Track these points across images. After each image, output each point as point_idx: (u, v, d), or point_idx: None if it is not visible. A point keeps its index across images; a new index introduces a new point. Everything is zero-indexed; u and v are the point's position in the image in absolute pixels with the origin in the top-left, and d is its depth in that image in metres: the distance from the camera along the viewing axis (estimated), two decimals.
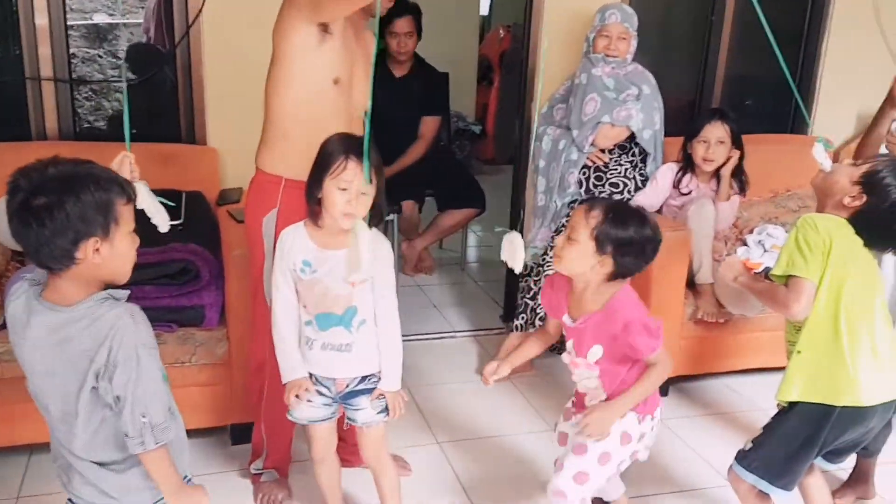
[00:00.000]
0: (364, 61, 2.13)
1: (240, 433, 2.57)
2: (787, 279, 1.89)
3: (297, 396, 1.93)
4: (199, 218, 2.71)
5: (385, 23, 3.79)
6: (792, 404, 1.93)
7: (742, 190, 3.07)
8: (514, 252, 1.90)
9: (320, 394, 1.97)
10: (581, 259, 1.84)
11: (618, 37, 3.00)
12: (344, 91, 2.04)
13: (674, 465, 2.62)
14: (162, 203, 1.80)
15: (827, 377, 1.88)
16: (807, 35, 3.79)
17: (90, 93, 4.12)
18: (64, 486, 1.56)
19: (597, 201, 2.06)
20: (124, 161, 1.78)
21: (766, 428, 1.99)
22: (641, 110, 2.99)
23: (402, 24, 3.73)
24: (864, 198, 1.88)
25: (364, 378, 1.95)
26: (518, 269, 1.97)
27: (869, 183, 1.89)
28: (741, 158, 3.01)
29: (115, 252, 1.44)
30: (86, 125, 3.47)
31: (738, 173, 3.03)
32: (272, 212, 2.07)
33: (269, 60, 2.96)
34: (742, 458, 1.98)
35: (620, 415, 1.88)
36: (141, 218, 1.60)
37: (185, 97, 3.04)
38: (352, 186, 1.77)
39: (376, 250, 1.84)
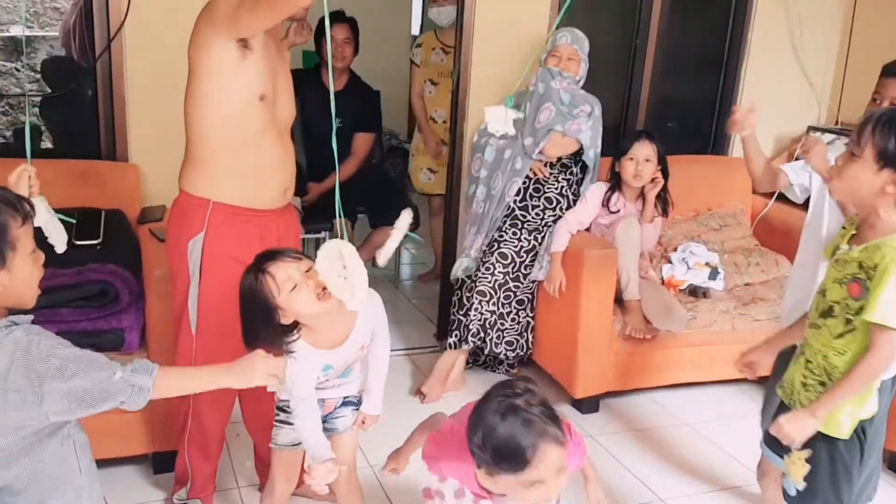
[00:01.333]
0: (285, 74, 2.09)
1: (162, 461, 2.47)
2: (873, 326, 1.66)
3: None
4: (118, 237, 2.61)
5: (321, 32, 3.77)
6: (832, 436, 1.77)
7: (665, 212, 3.15)
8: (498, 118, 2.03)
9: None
10: None
11: (567, 57, 3.09)
12: (270, 106, 1.99)
13: (606, 481, 2.64)
14: (61, 220, 1.70)
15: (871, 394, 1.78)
16: (727, 60, 3.94)
17: (6, 107, 3.94)
18: None
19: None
20: (23, 175, 1.66)
21: (817, 476, 1.80)
22: (591, 129, 3.08)
23: (340, 30, 3.74)
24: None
25: (344, 399, 1.98)
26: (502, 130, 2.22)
27: (889, 155, 1.63)
28: (665, 177, 3.09)
29: (16, 278, 1.35)
30: (1, 140, 3.32)
31: (662, 195, 3.11)
32: (198, 236, 1.99)
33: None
34: None
35: None
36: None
37: (106, 112, 2.93)
38: (300, 281, 1.67)
39: (372, 320, 1.86)
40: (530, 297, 3.14)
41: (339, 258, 1.61)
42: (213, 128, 1.95)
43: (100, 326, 2.33)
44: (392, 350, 3.44)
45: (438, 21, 3.86)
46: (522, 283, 3.10)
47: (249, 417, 2.29)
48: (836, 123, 3.94)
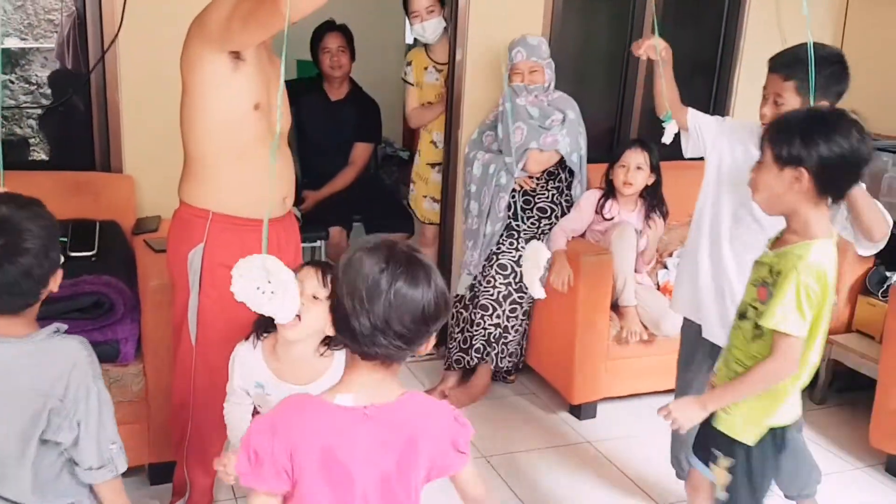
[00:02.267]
0: (279, 82, 2.09)
1: (158, 473, 2.46)
2: (773, 332, 1.68)
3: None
4: (113, 248, 2.60)
5: (316, 42, 3.77)
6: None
7: (664, 217, 3.15)
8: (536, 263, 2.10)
9: None
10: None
11: (528, 71, 3.08)
12: (265, 116, 1.99)
13: (604, 487, 2.64)
14: None
15: (788, 399, 1.77)
16: (720, 66, 3.96)
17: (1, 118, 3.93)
18: None
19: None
20: None
21: (735, 482, 1.79)
22: (567, 135, 3.06)
23: (333, 40, 3.72)
24: (804, 171, 1.63)
25: None
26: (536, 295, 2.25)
27: (783, 156, 1.65)
28: (658, 185, 3.08)
29: (58, 275, 1.48)
30: None
31: (658, 201, 3.11)
32: (198, 247, 1.99)
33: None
34: None
35: None
36: None
37: (100, 123, 2.93)
38: (302, 288, 1.63)
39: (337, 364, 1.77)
40: (532, 306, 3.14)
41: (262, 272, 1.51)
42: (209, 139, 1.96)
43: (95, 338, 2.31)
44: None
45: (424, 38, 3.45)
46: (526, 293, 3.09)
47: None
48: None
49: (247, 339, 1.85)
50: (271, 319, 1.64)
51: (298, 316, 1.61)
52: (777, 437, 1.77)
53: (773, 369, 1.69)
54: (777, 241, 1.76)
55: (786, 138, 1.65)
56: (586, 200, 3.11)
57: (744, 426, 1.75)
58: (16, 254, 1.36)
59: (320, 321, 1.62)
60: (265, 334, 1.81)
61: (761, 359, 1.72)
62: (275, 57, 2.12)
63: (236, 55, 1.88)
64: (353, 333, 1.19)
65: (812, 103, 1.93)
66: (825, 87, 1.96)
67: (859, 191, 1.90)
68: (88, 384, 1.43)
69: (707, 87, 4.03)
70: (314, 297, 1.67)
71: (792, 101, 1.96)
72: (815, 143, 1.62)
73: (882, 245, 1.99)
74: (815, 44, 1.94)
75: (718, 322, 2.14)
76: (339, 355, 1.76)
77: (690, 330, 2.26)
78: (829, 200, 1.68)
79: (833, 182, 1.65)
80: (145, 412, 2.36)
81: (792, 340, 1.66)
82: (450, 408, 1.35)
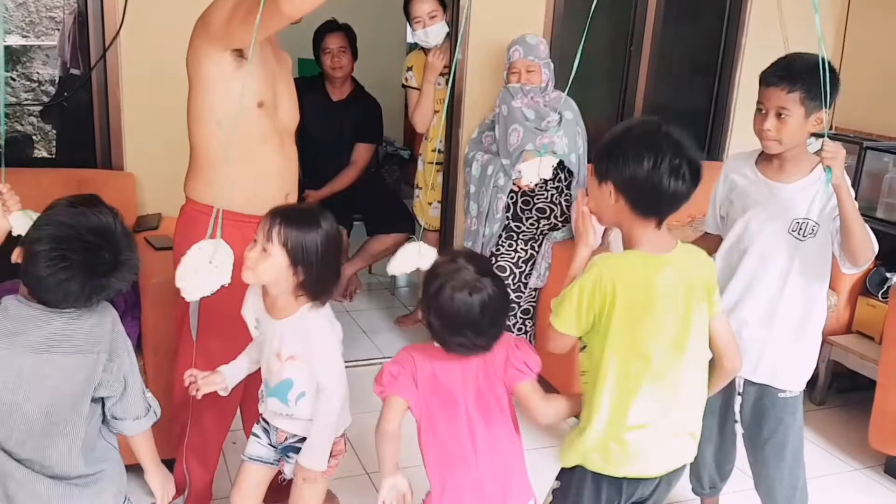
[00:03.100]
0: (285, 79, 2.10)
1: None
2: None
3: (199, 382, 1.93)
4: None
5: (317, 42, 3.77)
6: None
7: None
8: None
9: (266, 433, 1.95)
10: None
11: (526, 70, 3.07)
12: (269, 113, 2.01)
13: None
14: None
15: (601, 446, 1.65)
16: (721, 67, 3.96)
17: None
18: None
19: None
20: None
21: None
22: (565, 135, 3.05)
23: (334, 40, 3.72)
24: (612, 187, 1.59)
25: (303, 439, 1.88)
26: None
27: (598, 167, 1.63)
28: None
29: None
30: None
31: None
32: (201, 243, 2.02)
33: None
34: None
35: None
36: None
37: (102, 121, 2.94)
38: (255, 241, 1.77)
39: (305, 327, 1.78)
40: (535, 305, 3.14)
41: (205, 258, 1.72)
42: (214, 137, 1.97)
43: None
44: (388, 357, 3.46)
45: (426, 43, 3.41)
46: (524, 293, 3.09)
47: (250, 425, 2.29)
48: (831, 128, 3.96)
49: None
50: None
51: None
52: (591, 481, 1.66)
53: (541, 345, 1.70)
54: None
55: (598, 153, 1.64)
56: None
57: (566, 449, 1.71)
58: (121, 264, 1.50)
59: (271, 272, 1.74)
60: None
61: (584, 371, 1.70)
62: (283, 54, 2.13)
63: (239, 53, 1.89)
64: (439, 339, 1.65)
65: (826, 111, 1.92)
66: (826, 97, 1.93)
67: (853, 212, 1.89)
68: (126, 339, 1.58)
69: (708, 89, 4.03)
70: (263, 250, 1.74)
71: (797, 112, 1.94)
72: (620, 161, 1.56)
73: (865, 268, 1.98)
74: (803, 53, 1.95)
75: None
76: (306, 307, 1.81)
77: None
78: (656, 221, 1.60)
79: (644, 202, 1.58)
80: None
81: (550, 331, 1.66)
82: (511, 337, 1.71)
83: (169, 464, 2.34)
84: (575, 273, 1.73)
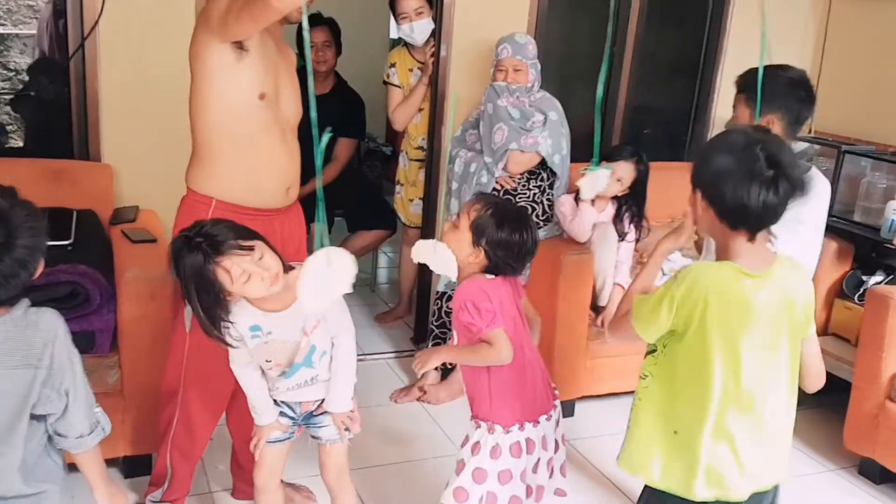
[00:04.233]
0: (289, 73, 2.09)
1: (133, 466, 2.44)
2: None
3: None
4: (90, 238, 2.57)
5: (302, 37, 3.73)
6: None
7: (639, 234, 3.08)
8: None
9: (283, 414, 1.93)
10: (458, 245, 1.89)
11: (513, 69, 3.06)
12: (271, 105, 2.01)
13: (581, 485, 2.65)
14: None
15: (698, 468, 1.58)
16: (703, 68, 3.99)
17: None
18: None
19: (483, 197, 2.09)
20: None
21: None
22: (549, 136, 3.05)
23: (319, 34, 3.69)
24: (701, 196, 1.58)
25: (321, 401, 1.92)
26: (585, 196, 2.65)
27: (693, 175, 1.62)
28: (642, 200, 3.03)
29: None
30: None
31: (639, 216, 3.06)
32: None
33: (171, 76, 2.89)
34: None
35: (442, 357, 1.97)
36: None
37: (79, 111, 2.90)
38: (254, 272, 1.67)
39: (310, 280, 1.74)
40: None
41: (325, 268, 1.60)
42: (215, 128, 1.98)
43: (70, 328, 2.25)
44: (369, 354, 3.51)
45: (412, 39, 3.38)
46: None
47: (235, 421, 2.28)
48: (810, 132, 4.00)
49: None
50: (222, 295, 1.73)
51: (277, 274, 1.73)
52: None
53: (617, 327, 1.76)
54: None
55: (694, 160, 1.68)
56: (564, 206, 3.03)
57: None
58: (12, 247, 1.37)
59: (277, 268, 1.73)
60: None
61: (649, 375, 1.66)
62: (286, 49, 2.13)
63: (239, 45, 1.90)
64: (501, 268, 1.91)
65: (758, 117, 2.06)
66: (771, 101, 2.07)
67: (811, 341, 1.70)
68: (71, 351, 1.48)
69: (690, 89, 4.05)
70: (261, 257, 1.71)
71: (742, 115, 2.10)
72: (708, 171, 1.56)
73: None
74: (782, 66, 2.11)
75: None
76: (300, 266, 1.77)
77: None
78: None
79: (731, 215, 1.53)
80: (121, 405, 2.33)
81: (629, 325, 1.65)
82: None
83: (144, 459, 2.35)
84: (654, 264, 1.80)
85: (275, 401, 1.92)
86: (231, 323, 1.75)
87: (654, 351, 1.66)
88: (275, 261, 1.72)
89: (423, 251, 1.94)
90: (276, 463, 2.00)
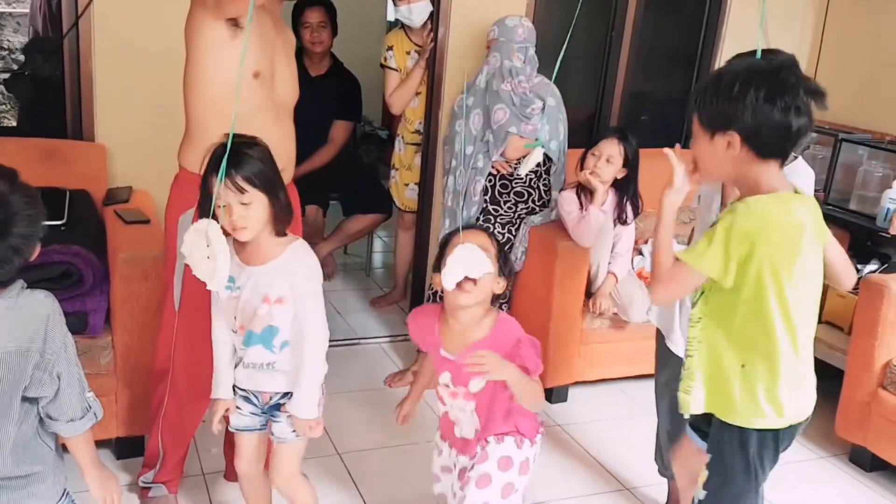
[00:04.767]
0: (286, 53, 2.07)
1: (125, 447, 2.44)
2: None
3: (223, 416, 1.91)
4: (83, 218, 2.56)
5: (297, 16, 3.70)
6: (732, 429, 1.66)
7: (636, 213, 3.02)
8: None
9: (248, 401, 1.91)
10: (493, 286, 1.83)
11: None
12: (266, 84, 1.99)
13: (573, 470, 2.66)
14: None
15: (794, 394, 1.65)
16: (700, 56, 3.97)
17: None
18: None
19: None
20: None
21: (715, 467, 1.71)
22: (547, 122, 3.04)
23: (314, 15, 3.66)
24: (735, 134, 1.53)
25: (287, 394, 1.87)
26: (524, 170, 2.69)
27: (714, 118, 1.56)
28: (634, 180, 2.97)
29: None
30: None
31: (633, 195, 2.99)
32: (189, 211, 1.98)
33: (165, 55, 2.86)
34: None
35: (508, 375, 1.78)
36: None
37: (73, 91, 2.87)
38: (228, 205, 1.69)
39: (293, 267, 1.77)
40: (510, 289, 3.13)
41: (204, 238, 1.63)
42: (207, 105, 1.97)
43: (63, 309, 2.25)
44: (363, 338, 3.50)
45: (410, 21, 3.34)
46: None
47: None
48: None
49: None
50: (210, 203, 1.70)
51: (235, 228, 1.71)
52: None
53: (653, 284, 1.66)
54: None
55: (709, 104, 1.56)
56: (567, 202, 2.93)
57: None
58: (7, 234, 1.36)
59: (262, 217, 1.72)
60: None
61: (696, 344, 1.66)
62: (286, 29, 2.10)
63: (234, 22, 1.88)
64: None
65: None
66: None
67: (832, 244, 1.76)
68: (65, 335, 1.46)
69: (687, 79, 4.04)
70: (242, 203, 1.70)
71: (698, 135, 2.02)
72: (746, 107, 1.50)
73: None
74: (770, 49, 1.94)
75: (682, 335, 2.13)
76: (294, 244, 1.80)
77: (661, 338, 2.28)
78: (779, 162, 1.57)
79: (772, 145, 1.53)
80: (113, 385, 2.33)
81: (684, 267, 1.58)
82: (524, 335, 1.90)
83: (137, 441, 2.34)
84: (668, 219, 1.72)
85: (237, 388, 1.90)
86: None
87: (701, 294, 1.65)
88: (260, 222, 1.72)
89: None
90: (252, 452, 1.97)
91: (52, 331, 1.44)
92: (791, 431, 1.68)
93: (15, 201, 1.37)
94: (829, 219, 3.16)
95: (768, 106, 1.49)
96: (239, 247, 1.79)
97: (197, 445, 2.51)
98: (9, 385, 1.41)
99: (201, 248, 1.62)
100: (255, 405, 1.91)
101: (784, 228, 1.55)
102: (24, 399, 1.44)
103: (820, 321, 3.27)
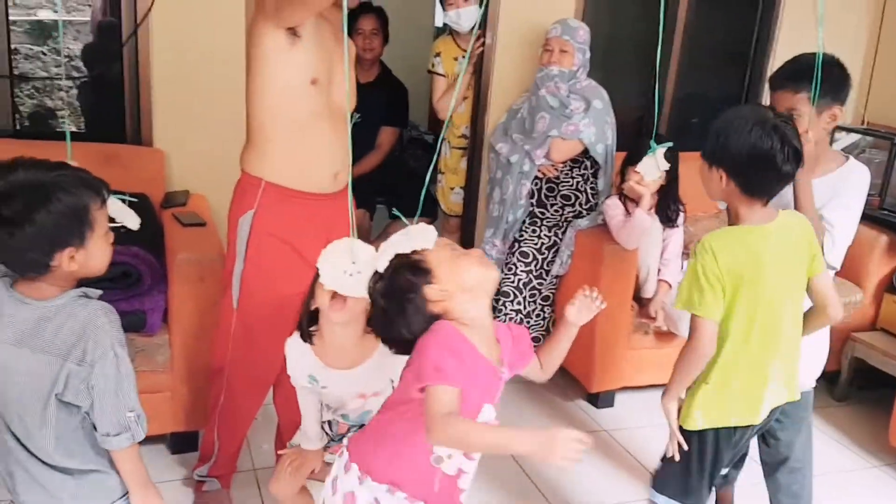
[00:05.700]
0: (345, 60, 2.12)
1: (179, 442, 2.51)
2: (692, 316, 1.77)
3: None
4: (142, 221, 2.63)
5: (350, 23, 3.75)
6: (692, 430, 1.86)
7: (674, 219, 3.00)
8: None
9: (322, 429, 1.90)
10: None
11: (559, 50, 3.03)
12: (323, 90, 2.04)
13: (620, 475, 2.65)
14: (124, 201, 1.76)
15: (732, 401, 1.82)
16: (754, 55, 3.91)
17: (32, 90, 3.99)
18: (8, 490, 1.53)
19: None
20: None
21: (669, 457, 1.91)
22: (593, 124, 3.02)
23: (367, 22, 3.70)
24: (724, 173, 1.73)
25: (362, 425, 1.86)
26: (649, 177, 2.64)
27: (711, 152, 1.76)
28: (675, 182, 2.94)
29: (91, 256, 1.45)
30: (26, 123, 3.37)
31: (674, 201, 2.98)
32: (248, 214, 2.06)
33: (220, 62, 2.94)
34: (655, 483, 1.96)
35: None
36: None
37: (132, 97, 2.96)
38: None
39: (394, 362, 1.65)
40: (554, 292, 3.13)
41: (347, 254, 1.56)
42: (267, 111, 2.02)
43: (122, 308, 2.32)
44: None
45: (458, 26, 3.34)
46: (546, 280, 3.08)
47: (281, 400, 2.28)
48: (863, 123, 3.90)
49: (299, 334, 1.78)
50: (315, 311, 1.67)
51: (344, 298, 1.60)
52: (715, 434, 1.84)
53: (688, 352, 1.78)
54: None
55: (709, 140, 1.76)
56: (614, 209, 2.93)
57: (694, 414, 1.84)
58: (22, 223, 1.34)
59: (363, 303, 1.62)
60: (312, 328, 1.75)
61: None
62: (342, 35, 2.15)
63: (293, 31, 1.93)
64: None
65: (814, 107, 1.98)
66: (835, 92, 2.00)
67: (806, 203, 1.96)
68: (105, 349, 1.42)
69: (740, 77, 3.98)
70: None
71: (807, 111, 1.98)
72: (736, 148, 1.70)
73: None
74: (808, 53, 1.98)
75: None
76: (376, 341, 1.71)
77: None
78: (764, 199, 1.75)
79: (757, 186, 1.72)
80: (169, 382, 2.40)
81: (699, 321, 1.74)
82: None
83: (191, 436, 2.41)
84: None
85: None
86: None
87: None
88: (359, 307, 1.62)
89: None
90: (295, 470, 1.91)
91: (95, 345, 1.42)
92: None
93: (48, 192, 1.35)
94: (885, 224, 3.14)
95: (756, 152, 1.68)
96: (319, 347, 1.73)
97: (249, 441, 2.57)
98: (44, 385, 1.42)
99: (347, 267, 1.55)
100: (327, 432, 1.91)
101: (740, 258, 1.73)
102: (63, 403, 1.45)
103: (874, 328, 3.20)
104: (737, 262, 1.72)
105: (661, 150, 2.70)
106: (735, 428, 1.85)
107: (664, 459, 1.92)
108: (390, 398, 1.57)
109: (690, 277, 1.75)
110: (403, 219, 1.63)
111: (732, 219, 1.80)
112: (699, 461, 1.87)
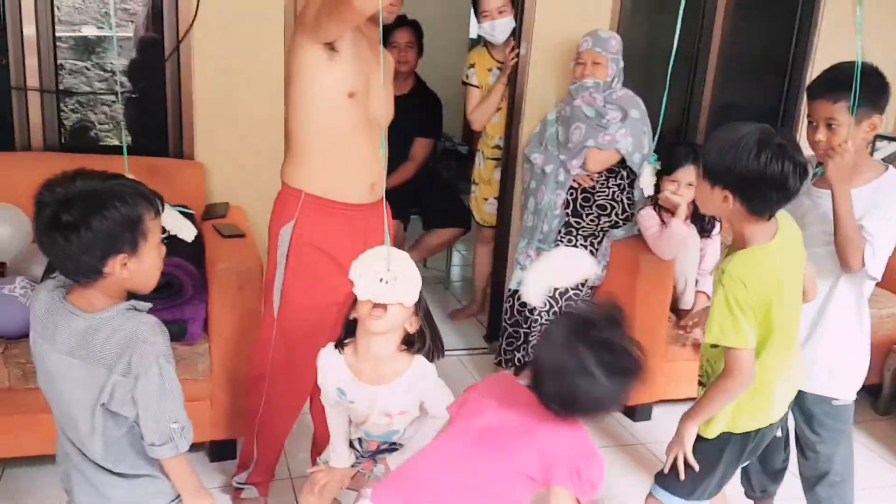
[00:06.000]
0: (383, 73, 2.15)
1: (218, 450, 2.54)
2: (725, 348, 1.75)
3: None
4: None
5: (385, 36, 3.79)
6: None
7: (709, 230, 2.98)
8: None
9: (351, 445, 1.93)
10: None
11: (592, 62, 3.03)
12: (361, 103, 2.07)
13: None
14: (181, 213, 1.80)
15: (748, 407, 1.83)
16: (792, 65, 3.86)
17: (76, 105, 4.10)
18: (66, 492, 1.58)
19: None
20: None
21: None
22: (630, 134, 3.01)
23: (402, 35, 3.75)
24: (728, 193, 1.71)
25: (394, 444, 1.91)
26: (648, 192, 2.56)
27: (713, 172, 1.73)
28: None
29: (143, 266, 1.48)
30: (67, 137, 3.44)
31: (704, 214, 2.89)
32: (288, 224, 2.10)
33: (260, 77, 2.99)
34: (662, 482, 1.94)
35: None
36: None
37: (174, 111, 3.03)
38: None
39: (421, 386, 1.75)
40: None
41: (380, 261, 1.59)
42: (305, 124, 2.06)
43: (163, 317, 2.34)
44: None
45: (493, 38, 3.36)
46: (581, 291, 3.07)
47: (317, 409, 2.29)
48: None
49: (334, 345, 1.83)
50: (354, 322, 1.70)
51: (384, 306, 1.63)
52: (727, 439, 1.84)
53: (727, 385, 1.75)
54: (728, 248, 1.85)
55: (710, 160, 1.73)
56: (649, 220, 2.91)
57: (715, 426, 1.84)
58: (78, 228, 1.38)
59: (402, 315, 1.66)
60: (348, 339, 1.79)
61: (715, 363, 1.81)
62: (385, 53, 2.18)
63: (331, 46, 1.97)
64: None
65: (853, 116, 1.95)
66: (875, 101, 1.98)
67: (845, 213, 1.94)
68: (150, 362, 1.44)
69: (778, 86, 3.93)
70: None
71: (846, 120, 1.96)
72: (740, 169, 1.67)
73: (859, 271, 1.99)
74: (846, 62, 1.96)
75: None
76: (419, 359, 1.76)
77: None
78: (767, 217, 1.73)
79: (762, 204, 1.70)
80: (209, 390, 2.44)
81: (737, 353, 1.72)
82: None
83: (230, 444, 2.44)
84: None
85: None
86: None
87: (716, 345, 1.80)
88: (399, 319, 1.67)
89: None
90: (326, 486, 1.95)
91: (140, 357, 1.44)
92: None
93: (102, 202, 1.40)
94: None
95: (762, 172, 1.65)
96: (351, 358, 1.77)
97: (286, 449, 2.59)
98: (91, 394, 1.46)
99: (383, 275, 1.59)
100: (357, 449, 1.94)
101: (763, 281, 1.72)
102: (110, 412, 1.48)
103: None
104: (764, 287, 1.71)
105: (649, 169, 2.75)
106: (752, 431, 1.85)
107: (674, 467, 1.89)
108: (454, 452, 1.54)
109: (722, 310, 1.71)
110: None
111: (736, 237, 1.79)
112: (713, 466, 1.87)
